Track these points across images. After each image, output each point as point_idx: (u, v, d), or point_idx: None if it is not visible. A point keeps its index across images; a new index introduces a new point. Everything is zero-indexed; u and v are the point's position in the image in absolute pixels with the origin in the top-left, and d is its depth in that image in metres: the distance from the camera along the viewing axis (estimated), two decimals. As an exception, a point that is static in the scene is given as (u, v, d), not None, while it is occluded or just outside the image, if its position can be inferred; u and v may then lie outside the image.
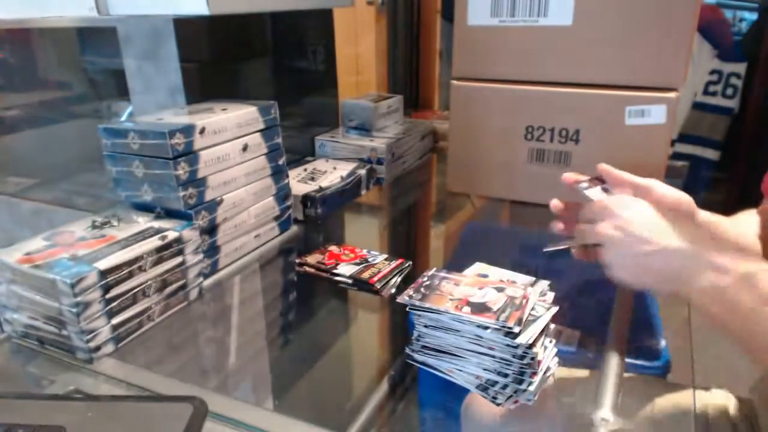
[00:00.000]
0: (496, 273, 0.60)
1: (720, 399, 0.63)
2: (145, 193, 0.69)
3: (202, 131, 0.68)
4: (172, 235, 0.63)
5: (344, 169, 1.03)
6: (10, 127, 1.28)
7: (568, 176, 0.65)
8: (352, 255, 0.80)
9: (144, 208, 0.70)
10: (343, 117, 1.22)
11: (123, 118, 1.13)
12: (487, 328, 0.49)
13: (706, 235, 0.52)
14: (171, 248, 0.63)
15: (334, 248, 0.82)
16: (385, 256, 0.79)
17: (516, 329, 0.48)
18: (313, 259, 0.78)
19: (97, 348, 0.56)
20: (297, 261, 0.79)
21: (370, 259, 0.78)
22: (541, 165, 0.99)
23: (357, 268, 0.75)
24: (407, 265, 0.78)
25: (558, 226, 0.67)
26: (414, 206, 1.15)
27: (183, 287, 0.66)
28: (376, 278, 0.73)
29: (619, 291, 0.70)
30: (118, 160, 0.69)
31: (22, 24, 1.16)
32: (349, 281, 0.74)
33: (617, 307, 0.66)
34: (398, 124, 1.25)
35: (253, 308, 0.75)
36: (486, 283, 0.56)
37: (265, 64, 1.03)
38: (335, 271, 0.75)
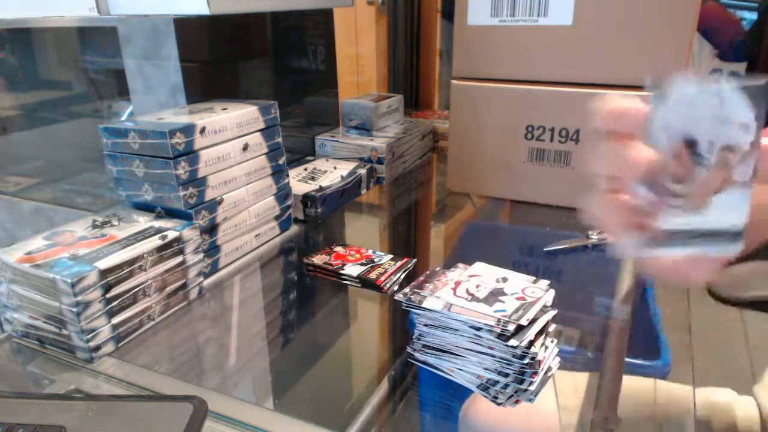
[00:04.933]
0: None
1: (721, 398, 0.63)
2: (145, 192, 0.69)
3: (203, 131, 0.68)
4: (172, 234, 0.63)
5: (344, 168, 1.03)
6: (10, 127, 1.28)
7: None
8: (357, 255, 0.80)
9: (144, 207, 0.70)
10: (343, 116, 1.22)
11: (123, 118, 1.13)
12: (479, 329, 0.49)
13: None
14: (171, 248, 0.63)
15: (339, 249, 0.82)
16: (391, 256, 0.79)
17: (510, 330, 0.48)
18: (319, 260, 0.78)
19: (98, 347, 0.56)
20: (305, 262, 0.79)
21: (375, 260, 0.78)
22: (541, 165, 0.99)
23: (363, 268, 0.76)
24: (412, 263, 0.78)
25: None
26: (414, 206, 1.15)
27: (183, 287, 0.66)
28: (383, 278, 0.73)
29: (619, 290, 0.70)
30: (118, 159, 0.69)
31: (22, 24, 1.16)
32: (357, 282, 0.74)
33: (617, 307, 0.66)
34: (398, 124, 1.25)
35: (253, 308, 0.75)
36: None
37: (265, 64, 1.03)
38: (342, 271, 0.75)
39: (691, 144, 0.30)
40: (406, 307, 0.53)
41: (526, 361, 0.48)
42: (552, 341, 0.54)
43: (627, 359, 0.57)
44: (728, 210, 0.31)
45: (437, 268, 0.60)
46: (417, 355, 0.54)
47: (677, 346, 0.67)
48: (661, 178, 0.31)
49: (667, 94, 0.29)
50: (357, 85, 1.59)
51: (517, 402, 0.49)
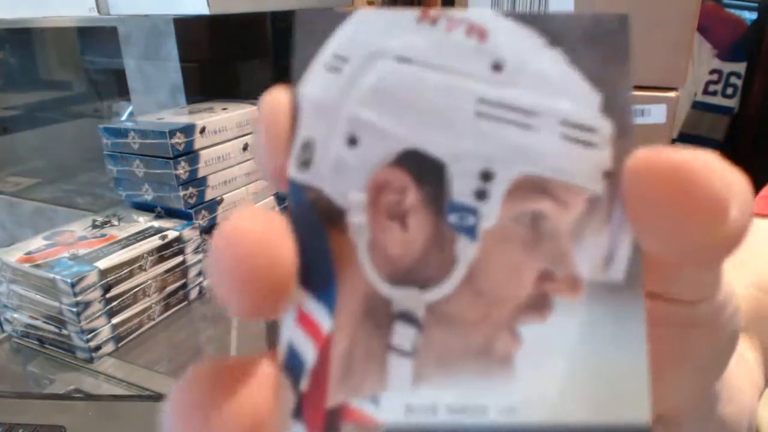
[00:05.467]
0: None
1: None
2: (145, 192, 0.69)
3: (203, 131, 0.68)
4: (172, 234, 0.63)
5: (344, 168, 1.03)
6: (11, 127, 1.28)
7: None
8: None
9: (144, 207, 0.70)
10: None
11: (123, 118, 1.13)
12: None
13: None
14: (171, 248, 0.63)
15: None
16: None
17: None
18: None
19: (98, 347, 0.56)
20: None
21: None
22: (541, 165, 0.98)
23: None
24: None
25: None
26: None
27: (183, 287, 0.66)
28: None
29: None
30: (118, 159, 0.69)
31: (22, 24, 1.16)
32: None
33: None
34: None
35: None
36: None
37: (265, 64, 1.03)
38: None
39: (422, 175, 0.11)
40: None
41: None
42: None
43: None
44: (583, 374, 0.11)
45: None
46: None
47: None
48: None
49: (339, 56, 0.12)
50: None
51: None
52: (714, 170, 0.10)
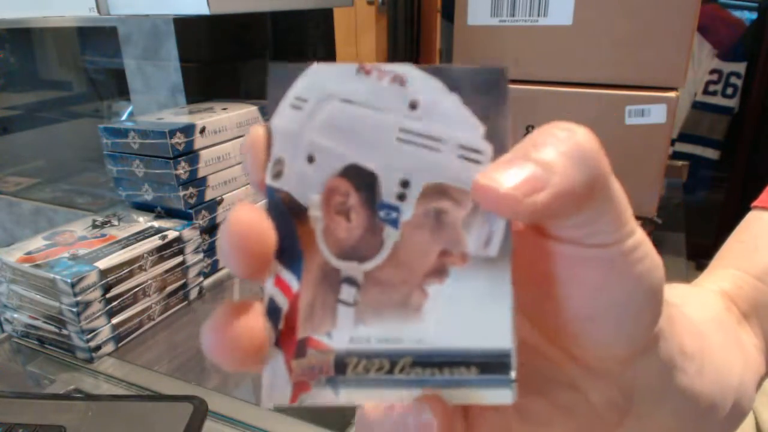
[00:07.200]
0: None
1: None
2: (145, 192, 0.69)
3: (203, 131, 0.68)
4: (172, 234, 0.63)
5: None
6: (11, 127, 1.28)
7: None
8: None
9: (144, 207, 0.70)
10: (343, 117, 1.21)
11: (123, 118, 1.13)
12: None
13: None
14: (171, 248, 0.63)
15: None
16: None
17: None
18: None
19: (98, 347, 0.56)
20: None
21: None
22: (541, 165, 0.98)
23: None
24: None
25: None
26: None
27: (183, 287, 0.66)
28: None
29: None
30: (118, 159, 0.69)
31: (22, 24, 1.16)
32: None
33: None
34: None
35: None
36: None
37: (265, 64, 1.03)
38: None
39: (360, 183, 0.16)
40: None
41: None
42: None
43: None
44: (468, 317, 0.16)
45: None
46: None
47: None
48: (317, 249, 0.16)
49: (304, 93, 0.16)
50: (357, 85, 1.59)
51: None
52: (498, 179, 0.15)
